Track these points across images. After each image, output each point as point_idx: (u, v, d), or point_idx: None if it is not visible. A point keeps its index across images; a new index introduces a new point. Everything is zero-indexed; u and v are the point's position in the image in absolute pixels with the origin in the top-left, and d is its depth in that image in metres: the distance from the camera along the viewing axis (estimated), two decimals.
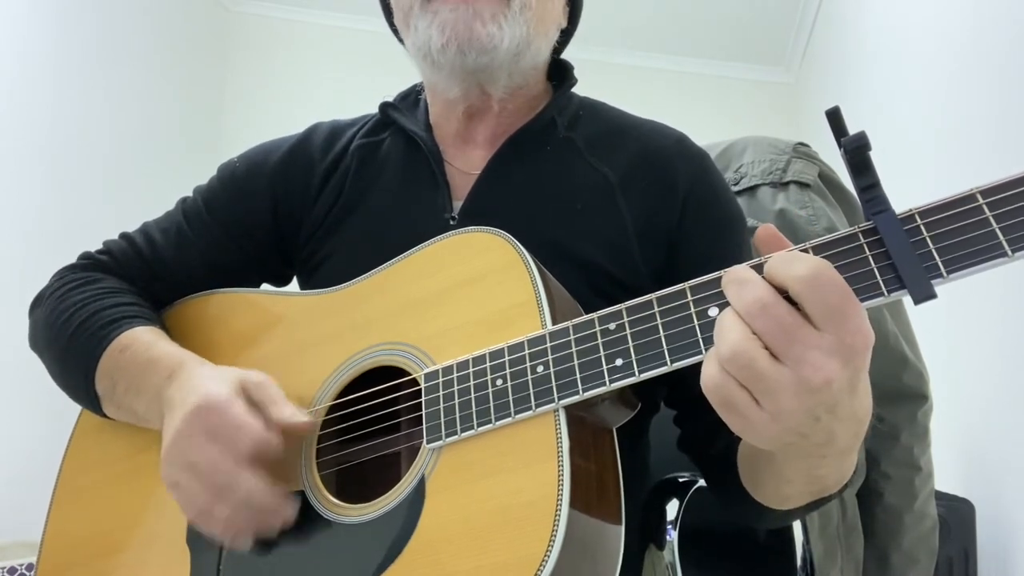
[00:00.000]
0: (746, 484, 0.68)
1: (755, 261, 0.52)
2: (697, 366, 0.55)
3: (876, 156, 0.50)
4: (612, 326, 0.56)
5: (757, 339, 0.47)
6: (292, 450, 0.69)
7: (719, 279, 0.53)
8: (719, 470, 0.74)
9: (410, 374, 0.66)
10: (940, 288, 0.47)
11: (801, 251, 0.51)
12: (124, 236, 0.90)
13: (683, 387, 0.79)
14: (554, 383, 0.57)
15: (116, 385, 0.76)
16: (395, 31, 0.89)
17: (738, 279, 0.49)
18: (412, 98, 0.94)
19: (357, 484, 0.68)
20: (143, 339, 0.77)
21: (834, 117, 0.50)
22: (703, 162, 0.85)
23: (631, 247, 0.78)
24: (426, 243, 0.71)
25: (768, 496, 0.66)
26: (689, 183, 0.81)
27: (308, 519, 0.66)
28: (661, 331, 0.54)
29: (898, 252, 0.48)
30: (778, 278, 0.48)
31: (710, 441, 0.75)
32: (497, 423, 0.58)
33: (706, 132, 1.03)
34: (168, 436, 0.66)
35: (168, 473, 0.66)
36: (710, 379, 0.49)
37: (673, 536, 0.96)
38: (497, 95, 0.83)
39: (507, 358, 0.60)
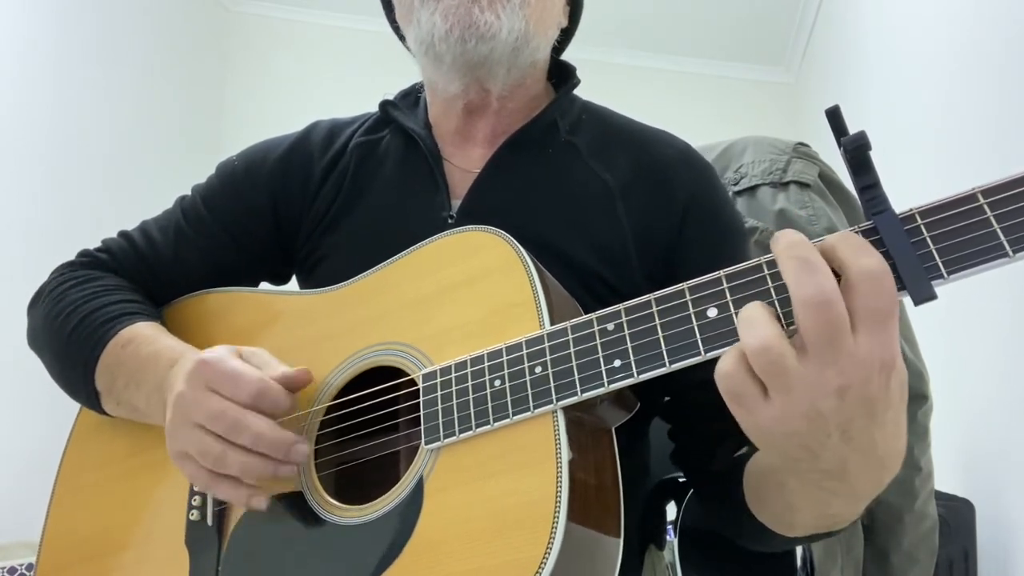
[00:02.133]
0: (751, 504, 0.66)
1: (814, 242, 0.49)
2: (696, 376, 0.54)
3: (876, 156, 0.49)
4: (610, 326, 0.56)
5: (786, 333, 0.46)
6: None
7: (719, 279, 0.53)
8: (720, 486, 0.72)
9: (408, 374, 0.66)
10: (940, 289, 0.47)
11: None
12: (123, 234, 0.90)
13: (682, 399, 0.78)
14: (552, 384, 0.57)
15: (116, 380, 0.76)
16: (396, 29, 0.89)
17: (804, 260, 0.45)
18: (412, 97, 0.93)
19: (355, 485, 0.68)
20: (145, 334, 0.77)
21: (834, 116, 0.50)
22: (706, 173, 0.84)
23: (629, 255, 0.78)
24: (424, 242, 0.71)
25: (773, 520, 0.64)
26: (690, 194, 0.80)
27: (306, 520, 0.66)
28: (660, 332, 0.54)
29: (898, 252, 0.47)
30: (840, 260, 0.46)
31: (710, 456, 0.74)
32: (495, 424, 0.58)
33: (706, 132, 1.03)
34: (169, 407, 0.66)
35: (173, 444, 0.66)
36: (727, 366, 0.47)
37: (673, 536, 0.96)
38: (496, 91, 0.82)
39: (505, 359, 0.60)
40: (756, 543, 0.72)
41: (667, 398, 0.81)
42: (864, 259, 0.45)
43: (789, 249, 0.46)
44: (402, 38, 0.87)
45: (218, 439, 0.63)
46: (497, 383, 0.59)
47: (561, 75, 0.91)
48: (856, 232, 0.48)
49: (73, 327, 0.78)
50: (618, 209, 0.79)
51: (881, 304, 0.45)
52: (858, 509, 0.57)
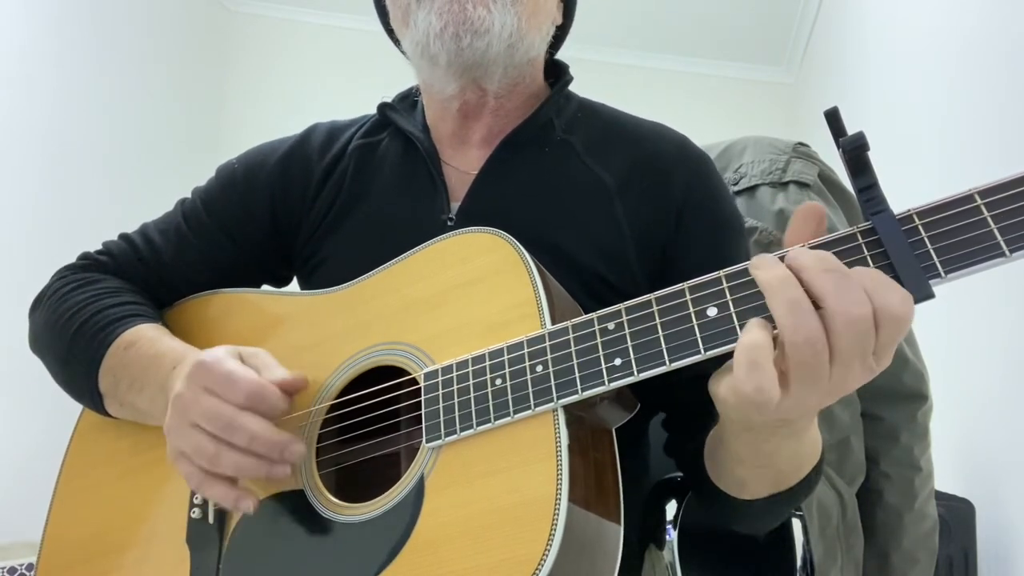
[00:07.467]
0: (710, 472, 0.70)
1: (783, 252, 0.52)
2: (691, 370, 0.55)
3: (876, 156, 0.50)
4: (611, 326, 0.56)
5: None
6: None
7: (718, 279, 0.53)
8: (694, 464, 0.74)
9: (410, 374, 0.66)
10: (939, 288, 0.47)
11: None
12: (123, 237, 0.90)
13: (673, 394, 0.79)
14: (553, 383, 0.57)
15: (119, 382, 0.76)
16: (390, 33, 0.89)
17: (795, 301, 0.48)
18: (410, 100, 0.93)
19: (357, 484, 0.68)
20: (147, 336, 0.77)
21: (833, 117, 0.50)
22: (703, 166, 0.84)
23: (627, 253, 0.78)
24: (427, 243, 0.71)
25: (726, 481, 0.67)
26: (688, 188, 0.80)
27: (307, 518, 0.66)
28: (660, 331, 0.54)
29: (896, 252, 0.48)
30: (877, 300, 0.47)
31: (692, 439, 0.75)
32: (496, 422, 0.59)
33: (706, 132, 1.03)
34: (169, 407, 0.67)
35: (171, 443, 0.67)
36: (754, 368, 0.49)
37: (673, 536, 0.96)
38: (493, 90, 0.82)
39: (506, 357, 0.60)
40: (729, 518, 0.74)
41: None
42: (894, 298, 0.47)
43: (781, 287, 0.48)
44: (397, 42, 0.87)
45: (213, 438, 0.64)
46: (498, 382, 0.60)
47: (557, 74, 0.91)
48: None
49: (75, 330, 0.79)
50: (616, 207, 0.79)
51: (899, 336, 0.48)
52: (793, 445, 0.59)
